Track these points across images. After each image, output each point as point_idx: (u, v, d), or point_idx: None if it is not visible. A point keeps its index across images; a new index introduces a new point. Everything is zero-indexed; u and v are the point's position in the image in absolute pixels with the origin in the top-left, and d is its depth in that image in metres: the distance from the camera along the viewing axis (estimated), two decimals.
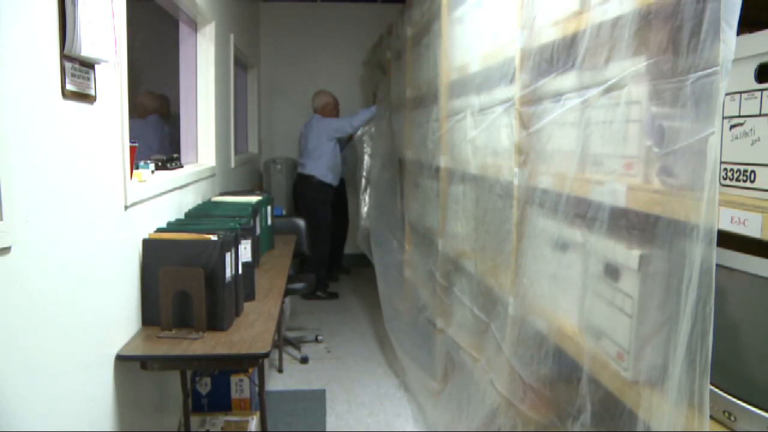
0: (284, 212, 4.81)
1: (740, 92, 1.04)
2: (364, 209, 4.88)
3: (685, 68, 1.04)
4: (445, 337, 2.72)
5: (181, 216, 2.50)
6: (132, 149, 1.92)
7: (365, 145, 4.97)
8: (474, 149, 2.30)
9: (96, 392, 1.65)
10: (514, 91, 1.83)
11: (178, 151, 3.25)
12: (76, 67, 1.47)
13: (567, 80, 1.52)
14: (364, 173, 4.90)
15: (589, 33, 1.37)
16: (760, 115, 1.00)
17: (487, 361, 2.09)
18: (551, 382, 1.58)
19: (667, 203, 1.10)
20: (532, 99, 1.73)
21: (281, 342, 3.74)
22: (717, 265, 1.04)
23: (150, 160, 2.40)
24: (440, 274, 2.85)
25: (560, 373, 1.54)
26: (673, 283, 1.08)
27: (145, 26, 3.07)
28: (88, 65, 1.54)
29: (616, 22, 1.26)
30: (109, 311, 1.75)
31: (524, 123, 1.77)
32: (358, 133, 5.02)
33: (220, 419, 2.46)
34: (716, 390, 1.05)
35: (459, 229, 2.57)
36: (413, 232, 3.70)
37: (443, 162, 2.82)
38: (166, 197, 2.36)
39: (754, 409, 0.98)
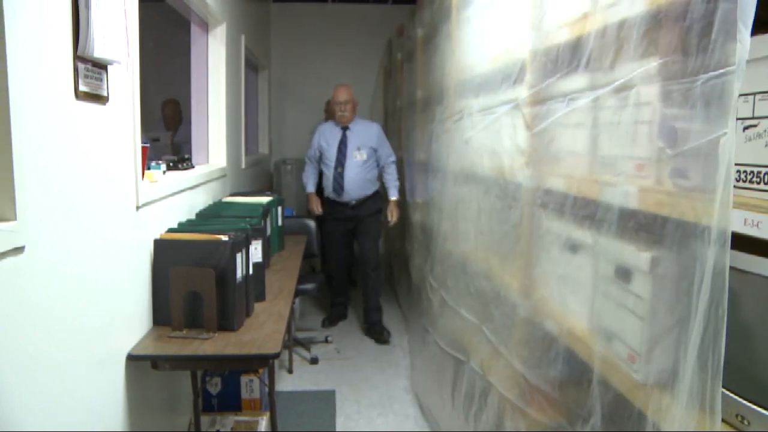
0: (294, 212, 4.82)
1: (754, 93, 1.03)
2: None
3: (695, 69, 1.03)
4: (448, 340, 2.71)
5: (192, 216, 2.51)
6: (144, 150, 1.94)
7: None
8: (482, 150, 2.29)
9: (107, 391, 1.66)
10: (523, 91, 1.82)
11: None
12: (89, 68, 1.48)
13: (577, 81, 1.51)
14: None
15: (600, 34, 1.36)
16: None
17: (488, 362, 2.09)
18: (560, 384, 1.57)
19: (678, 205, 1.09)
20: (541, 99, 1.72)
21: (291, 343, 3.75)
22: (730, 267, 1.03)
23: (162, 160, 2.41)
24: (439, 276, 2.84)
25: (569, 375, 1.53)
26: (684, 286, 1.07)
27: (157, 27, 3.09)
28: (101, 66, 1.55)
29: (626, 23, 1.25)
30: (121, 311, 1.76)
31: (532, 124, 1.76)
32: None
33: (230, 419, 2.47)
34: (729, 393, 1.04)
35: (466, 231, 2.57)
36: (420, 236, 3.70)
37: (451, 162, 2.81)
38: (178, 198, 2.37)
39: (767, 412, 0.97)
